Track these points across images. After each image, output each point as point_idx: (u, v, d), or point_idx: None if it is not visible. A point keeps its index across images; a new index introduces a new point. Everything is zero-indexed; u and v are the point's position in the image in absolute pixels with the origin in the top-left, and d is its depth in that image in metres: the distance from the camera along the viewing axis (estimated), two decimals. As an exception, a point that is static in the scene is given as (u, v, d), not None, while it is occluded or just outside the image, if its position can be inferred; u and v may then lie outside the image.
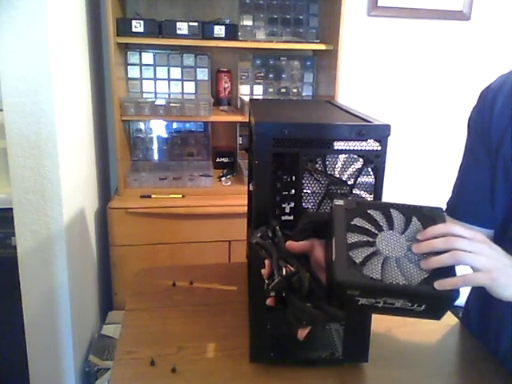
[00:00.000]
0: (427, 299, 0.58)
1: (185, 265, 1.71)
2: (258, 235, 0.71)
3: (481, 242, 0.61)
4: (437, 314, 0.60)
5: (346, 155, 0.74)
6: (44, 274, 1.46)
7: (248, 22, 1.99)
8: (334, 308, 0.61)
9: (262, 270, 0.67)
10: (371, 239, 0.60)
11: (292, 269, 0.63)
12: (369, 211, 0.63)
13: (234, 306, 1.02)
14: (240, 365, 0.84)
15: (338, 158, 0.74)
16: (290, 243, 0.66)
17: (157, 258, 1.86)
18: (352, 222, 0.62)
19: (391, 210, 0.63)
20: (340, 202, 0.64)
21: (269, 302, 0.64)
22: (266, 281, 0.66)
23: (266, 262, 0.67)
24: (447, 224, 0.61)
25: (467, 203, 0.90)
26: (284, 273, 0.62)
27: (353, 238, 0.61)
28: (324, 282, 0.63)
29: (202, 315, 1.00)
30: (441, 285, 0.57)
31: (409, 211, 0.63)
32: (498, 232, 0.86)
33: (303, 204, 0.76)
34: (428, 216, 0.63)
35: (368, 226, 0.62)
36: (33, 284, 1.46)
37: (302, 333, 0.65)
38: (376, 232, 0.61)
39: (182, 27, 1.83)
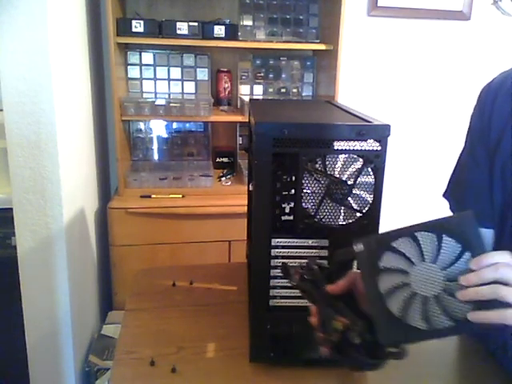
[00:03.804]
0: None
1: (185, 265, 1.71)
2: (297, 277, 0.71)
3: None
4: None
5: (346, 155, 0.74)
6: (44, 273, 1.46)
7: (248, 22, 1.99)
8: (389, 353, 0.61)
9: (311, 319, 0.68)
10: (404, 279, 0.58)
11: (345, 320, 0.63)
12: (393, 244, 0.58)
13: (234, 306, 1.02)
14: (240, 365, 0.84)
15: (337, 157, 0.74)
16: (331, 289, 0.66)
17: (157, 258, 1.86)
18: (379, 265, 0.59)
19: (416, 235, 0.57)
20: (360, 248, 0.60)
21: (323, 351, 0.66)
22: (316, 329, 0.66)
23: (312, 308, 0.68)
24: (503, 253, 0.56)
25: (471, 204, 0.89)
26: (339, 327, 0.63)
27: (385, 283, 0.58)
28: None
29: (202, 315, 1.00)
30: (475, 317, 0.54)
31: (436, 229, 0.57)
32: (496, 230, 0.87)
33: (303, 204, 0.76)
34: (458, 229, 0.56)
35: (397, 264, 0.58)
36: (33, 284, 1.46)
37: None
38: (407, 269, 0.58)
39: (182, 27, 1.83)
